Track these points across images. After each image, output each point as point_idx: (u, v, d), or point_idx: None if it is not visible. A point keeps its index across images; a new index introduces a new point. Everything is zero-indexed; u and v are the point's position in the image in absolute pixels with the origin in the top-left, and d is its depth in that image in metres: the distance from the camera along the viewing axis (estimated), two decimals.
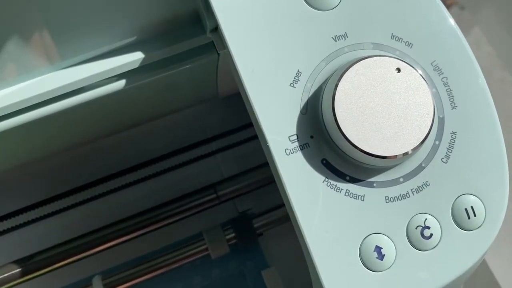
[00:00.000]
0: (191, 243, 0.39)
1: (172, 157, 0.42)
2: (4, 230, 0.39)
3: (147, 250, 0.41)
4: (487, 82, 0.26)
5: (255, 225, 0.39)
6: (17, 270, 0.37)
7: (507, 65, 0.73)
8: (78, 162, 0.41)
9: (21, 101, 0.28)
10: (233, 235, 0.39)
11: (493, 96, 0.26)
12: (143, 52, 0.29)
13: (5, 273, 0.37)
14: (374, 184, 0.24)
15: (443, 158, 0.25)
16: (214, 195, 0.39)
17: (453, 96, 0.25)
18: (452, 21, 0.27)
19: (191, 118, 0.43)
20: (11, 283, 0.37)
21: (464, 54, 0.26)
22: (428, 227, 0.24)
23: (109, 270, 0.40)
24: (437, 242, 0.24)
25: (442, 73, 0.26)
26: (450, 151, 0.25)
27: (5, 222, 0.39)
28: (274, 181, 0.25)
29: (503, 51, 0.76)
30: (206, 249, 0.39)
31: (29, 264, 0.37)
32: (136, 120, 0.38)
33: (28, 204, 0.39)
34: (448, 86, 0.26)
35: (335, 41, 0.25)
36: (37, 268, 0.37)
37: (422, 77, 0.24)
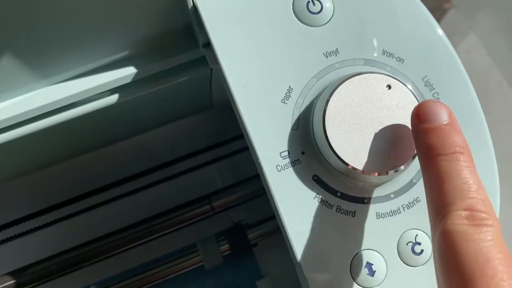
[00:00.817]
0: (185, 253, 0.39)
1: (166, 167, 0.42)
2: None
3: (141, 261, 0.41)
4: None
5: (250, 236, 0.39)
6: (12, 281, 0.37)
7: (503, 67, 0.73)
8: (72, 173, 0.41)
9: (14, 116, 0.28)
10: (227, 245, 0.39)
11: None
12: (136, 66, 0.29)
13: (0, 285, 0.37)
14: (365, 200, 0.24)
15: None
16: (208, 206, 0.39)
17: None
18: (443, 36, 0.27)
19: (186, 128, 0.43)
20: None
21: (455, 69, 0.26)
22: (419, 243, 0.24)
23: (103, 281, 0.40)
24: (427, 258, 0.24)
25: (433, 89, 0.26)
26: None
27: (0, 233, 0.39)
28: None
29: (499, 53, 0.76)
30: (200, 260, 0.39)
31: (23, 275, 0.37)
32: (129, 132, 0.38)
33: (22, 215, 0.39)
34: (440, 101, 0.26)
35: (326, 57, 0.25)
36: (31, 279, 0.37)
37: (413, 94, 0.24)
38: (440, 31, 0.27)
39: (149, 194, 0.41)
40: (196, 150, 0.43)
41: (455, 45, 0.26)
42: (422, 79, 0.26)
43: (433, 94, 0.26)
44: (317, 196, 0.24)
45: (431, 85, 0.26)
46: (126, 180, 0.41)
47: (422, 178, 0.25)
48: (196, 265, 0.39)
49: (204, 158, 0.43)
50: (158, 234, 0.39)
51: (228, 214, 0.42)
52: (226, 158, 0.43)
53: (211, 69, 0.31)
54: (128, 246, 0.38)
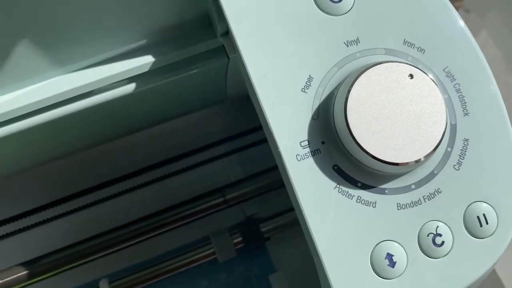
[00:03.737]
0: (198, 246, 0.39)
1: (180, 160, 0.42)
2: (12, 232, 0.39)
3: (154, 253, 0.41)
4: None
5: (263, 229, 0.39)
6: (24, 272, 0.37)
7: None
8: (86, 165, 0.41)
9: (31, 104, 0.28)
10: (240, 239, 0.39)
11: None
12: (154, 55, 0.29)
13: (13, 275, 0.37)
14: (386, 191, 0.24)
15: (455, 165, 0.25)
16: (222, 199, 0.39)
17: (465, 102, 0.25)
18: (464, 27, 0.26)
19: (199, 121, 0.43)
20: (18, 285, 0.37)
21: (476, 60, 0.26)
22: (440, 235, 0.24)
23: (116, 273, 0.40)
24: (448, 250, 0.24)
25: (455, 80, 0.26)
26: (462, 158, 0.25)
27: (12, 224, 0.39)
28: (281, 186, 0.25)
29: (510, 54, 0.75)
30: (214, 253, 0.39)
31: (36, 266, 0.37)
32: (144, 123, 0.38)
33: (36, 206, 0.39)
34: (461, 92, 0.25)
35: (347, 46, 0.25)
36: (44, 270, 0.37)
37: (435, 83, 0.24)
38: (461, 23, 0.26)
39: (162, 186, 0.41)
40: (209, 144, 0.43)
41: None
42: (443, 69, 0.26)
43: (454, 85, 0.25)
44: (338, 186, 0.24)
45: (452, 76, 0.26)
46: (138, 172, 0.41)
47: (443, 169, 0.25)
48: (209, 258, 0.39)
49: (217, 151, 0.43)
50: (171, 227, 0.39)
51: (240, 208, 0.42)
52: (238, 152, 0.43)
53: (227, 60, 0.31)
54: (141, 238, 0.39)
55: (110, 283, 0.38)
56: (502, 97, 0.26)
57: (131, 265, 0.40)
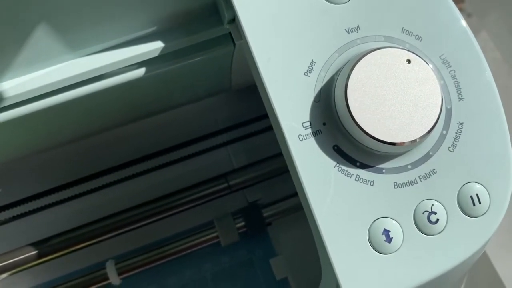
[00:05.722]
0: (202, 230, 0.40)
1: (184, 147, 0.43)
2: (21, 214, 0.40)
3: (159, 236, 0.42)
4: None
5: (264, 215, 0.40)
6: (33, 252, 0.38)
7: None
8: (94, 150, 0.42)
9: (42, 87, 0.29)
10: (243, 223, 0.40)
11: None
12: (163, 41, 0.30)
13: (21, 255, 0.38)
14: (383, 170, 0.25)
15: (450, 147, 0.26)
16: (225, 185, 0.40)
17: (460, 88, 0.26)
18: (460, 17, 0.27)
19: (204, 110, 0.45)
20: (27, 265, 0.38)
21: (471, 48, 0.27)
22: (435, 213, 0.25)
23: (122, 255, 0.41)
24: (443, 227, 0.25)
25: (450, 66, 0.27)
26: (456, 140, 0.26)
27: (23, 206, 0.40)
28: (283, 172, 0.26)
29: (510, 57, 0.76)
30: (217, 237, 0.40)
31: (45, 247, 0.38)
32: (152, 110, 0.39)
33: (46, 189, 0.40)
34: (456, 78, 0.27)
35: (348, 33, 0.26)
36: (52, 251, 0.38)
37: (431, 69, 0.25)
38: (458, 13, 0.28)
39: (168, 172, 0.43)
40: (213, 132, 0.44)
41: None
42: (440, 57, 0.27)
43: (449, 72, 0.27)
44: (337, 165, 0.25)
45: (448, 63, 0.27)
46: (144, 158, 0.43)
47: (438, 151, 0.26)
48: (212, 242, 0.40)
49: (220, 139, 0.44)
50: (176, 211, 0.40)
51: (243, 195, 0.43)
52: (241, 140, 0.44)
53: (233, 47, 0.32)
54: (147, 222, 0.40)
55: (116, 264, 0.39)
56: (503, 100, 0.27)
57: (137, 248, 0.41)
